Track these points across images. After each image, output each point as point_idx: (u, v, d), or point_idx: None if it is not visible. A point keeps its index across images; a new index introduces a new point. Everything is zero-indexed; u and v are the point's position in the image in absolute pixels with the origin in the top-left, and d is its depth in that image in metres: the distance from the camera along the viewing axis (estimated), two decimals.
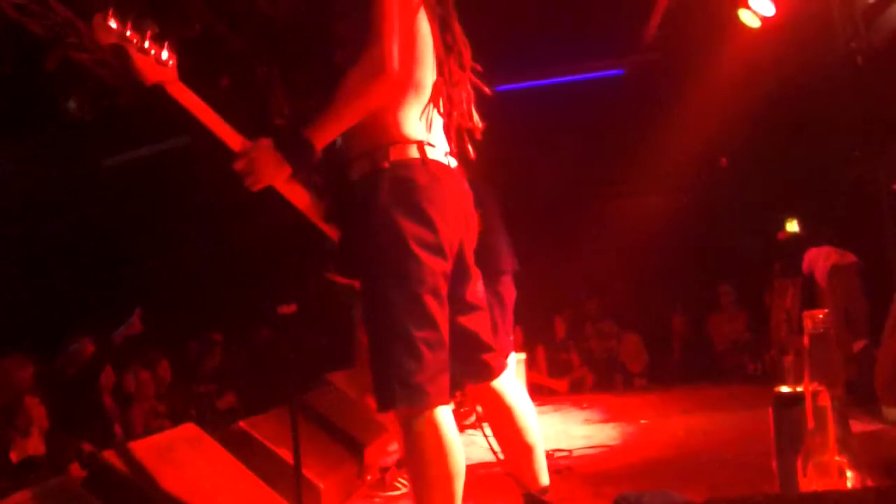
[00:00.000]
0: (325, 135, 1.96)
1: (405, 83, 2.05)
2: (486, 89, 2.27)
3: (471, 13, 2.24)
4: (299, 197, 2.11)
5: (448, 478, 1.94)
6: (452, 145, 2.19)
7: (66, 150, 6.97)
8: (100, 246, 7.67)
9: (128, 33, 1.76)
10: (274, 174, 1.95)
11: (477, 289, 2.24)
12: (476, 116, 2.27)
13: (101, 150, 7.28)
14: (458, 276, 2.14)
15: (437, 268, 2.01)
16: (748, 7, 5.90)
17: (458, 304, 2.15)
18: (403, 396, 1.94)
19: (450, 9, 2.20)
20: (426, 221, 2.00)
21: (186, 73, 1.93)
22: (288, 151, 1.93)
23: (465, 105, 2.23)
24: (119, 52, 1.78)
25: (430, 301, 1.98)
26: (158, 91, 1.87)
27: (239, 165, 1.94)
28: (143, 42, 1.78)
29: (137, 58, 1.80)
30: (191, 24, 5.17)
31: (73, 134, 6.36)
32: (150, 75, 1.84)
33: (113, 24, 1.73)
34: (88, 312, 7.16)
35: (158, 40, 1.82)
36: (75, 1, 4.97)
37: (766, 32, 6.00)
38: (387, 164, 2.01)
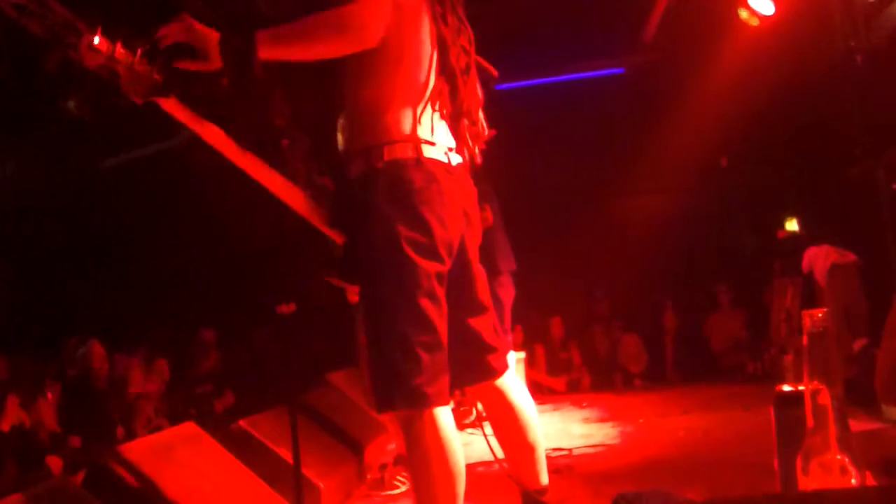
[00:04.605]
0: (274, 51, 1.89)
1: (398, 81, 2.04)
2: (494, 71, 2.25)
3: (470, 12, 2.23)
4: (295, 199, 2.11)
5: (449, 478, 1.94)
6: (460, 144, 2.18)
7: (66, 150, 6.96)
8: (100, 246, 7.66)
9: (116, 53, 1.74)
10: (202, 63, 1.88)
11: (481, 288, 2.22)
12: (483, 122, 2.25)
13: (101, 150, 7.27)
14: (460, 276, 2.13)
15: (431, 270, 2.00)
16: (748, 6, 5.90)
17: (462, 303, 2.14)
18: (402, 398, 1.94)
19: (455, 7, 2.18)
20: (420, 223, 1.99)
21: (185, 73, 1.93)
22: (226, 50, 1.86)
23: (473, 109, 2.21)
24: (108, 72, 1.77)
25: (425, 303, 1.97)
26: (152, 107, 1.87)
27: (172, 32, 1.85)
28: (133, 61, 1.77)
29: (127, 77, 1.79)
30: None
31: (73, 134, 6.35)
32: (141, 94, 1.83)
33: (101, 45, 1.72)
34: (88, 312, 7.16)
35: (148, 57, 1.81)
36: (75, 1, 4.96)
37: (765, 31, 6.00)
38: (381, 164, 2.00)
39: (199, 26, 1.87)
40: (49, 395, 4.97)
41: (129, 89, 1.81)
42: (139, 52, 1.78)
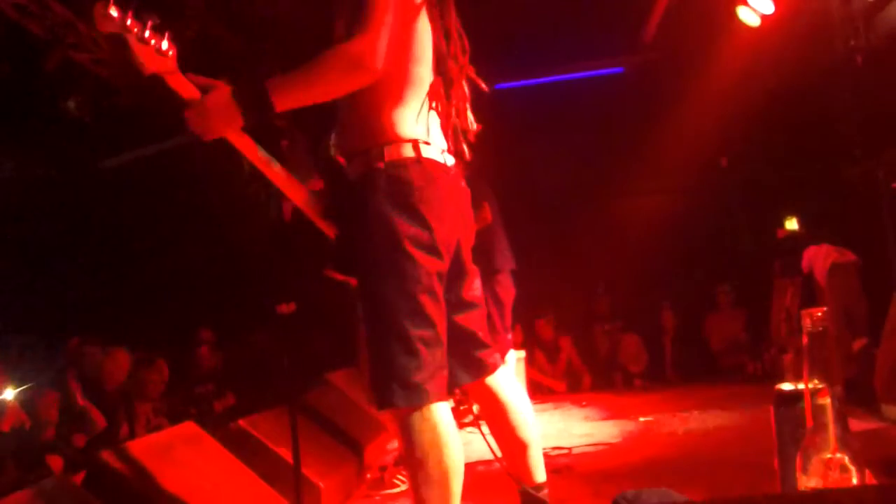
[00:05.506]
0: (287, 101, 1.92)
1: (395, 80, 2.05)
2: (484, 86, 2.27)
3: (470, 11, 2.24)
4: (295, 191, 2.12)
5: (447, 475, 1.95)
6: (450, 144, 2.19)
7: (66, 150, 6.97)
8: (100, 245, 7.67)
9: (128, 22, 1.75)
10: (224, 126, 1.91)
11: (474, 286, 2.25)
12: (471, 118, 2.27)
13: (101, 150, 7.28)
14: (455, 275, 2.16)
15: (432, 267, 2.01)
16: (747, 5, 5.90)
17: (456, 302, 2.17)
18: (402, 395, 1.95)
19: (449, 6, 2.19)
20: (421, 221, 2.00)
21: (186, 73, 1.93)
22: (245, 105, 1.89)
23: (461, 105, 2.23)
24: (119, 41, 1.77)
25: (425, 300, 1.99)
26: (157, 82, 1.86)
27: (191, 113, 1.89)
28: (144, 32, 1.78)
29: (137, 47, 1.79)
30: (189, 24, 5.17)
31: (73, 134, 6.36)
32: (150, 65, 1.82)
33: (114, 12, 1.73)
34: (88, 312, 7.17)
35: (159, 31, 1.82)
36: (75, 1, 4.98)
37: (765, 31, 6.00)
38: (381, 164, 2.02)
39: (210, 103, 1.88)
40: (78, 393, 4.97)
41: (137, 61, 1.81)
42: (149, 23, 1.78)
